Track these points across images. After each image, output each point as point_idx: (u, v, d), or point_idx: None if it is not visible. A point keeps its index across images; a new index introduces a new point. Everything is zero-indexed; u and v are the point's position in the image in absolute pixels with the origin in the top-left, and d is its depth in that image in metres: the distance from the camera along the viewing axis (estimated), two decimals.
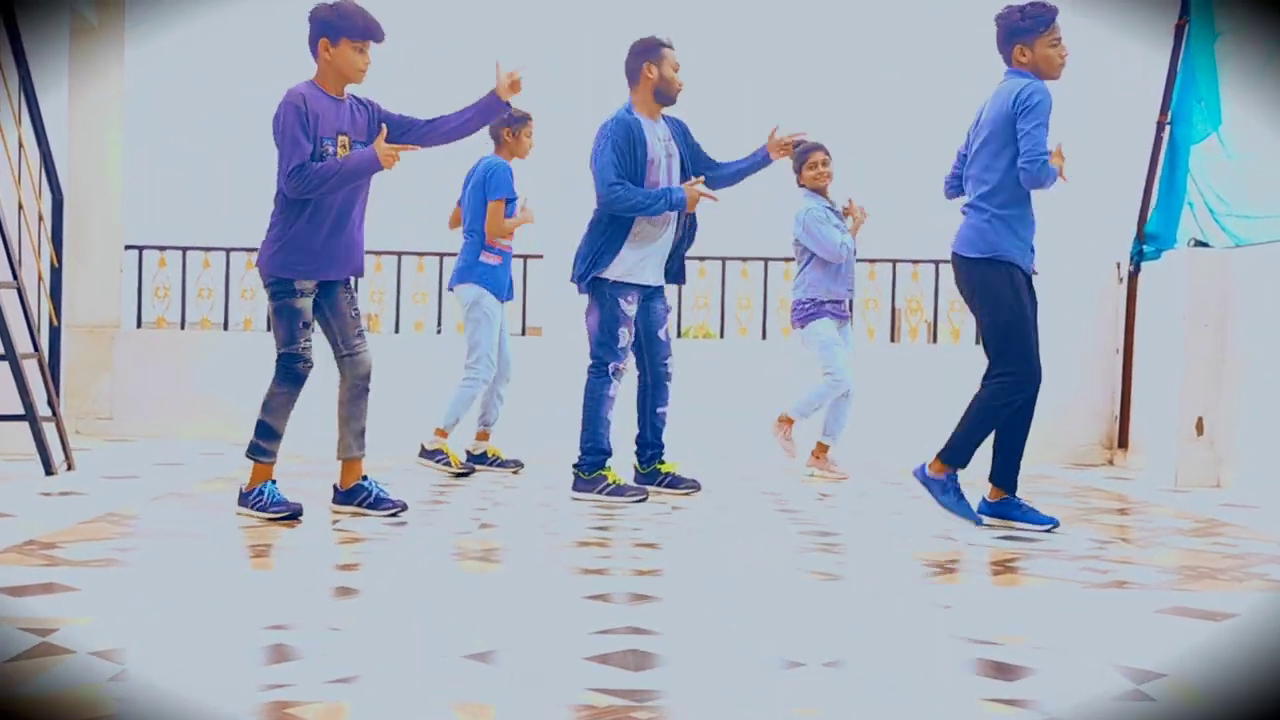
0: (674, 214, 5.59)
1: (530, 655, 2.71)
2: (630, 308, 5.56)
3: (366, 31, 4.60)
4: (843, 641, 2.94)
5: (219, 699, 2.32)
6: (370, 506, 4.81)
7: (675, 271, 5.78)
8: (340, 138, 4.66)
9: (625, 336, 5.55)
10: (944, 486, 4.88)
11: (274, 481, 4.77)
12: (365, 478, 4.89)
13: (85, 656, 2.58)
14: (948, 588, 3.71)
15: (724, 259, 8.50)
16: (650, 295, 5.72)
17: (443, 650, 2.70)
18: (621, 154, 5.44)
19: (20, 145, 6.50)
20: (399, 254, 8.67)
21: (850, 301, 6.77)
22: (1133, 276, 7.74)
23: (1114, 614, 3.34)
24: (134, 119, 8.77)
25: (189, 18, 9.48)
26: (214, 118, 10.69)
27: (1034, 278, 4.88)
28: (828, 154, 6.60)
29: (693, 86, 5.73)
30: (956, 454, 4.83)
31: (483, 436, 6.66)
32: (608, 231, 5.52)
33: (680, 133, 5.73)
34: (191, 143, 10.34)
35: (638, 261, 5.56)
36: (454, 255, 6.65)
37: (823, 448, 6.65)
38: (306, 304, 4.70)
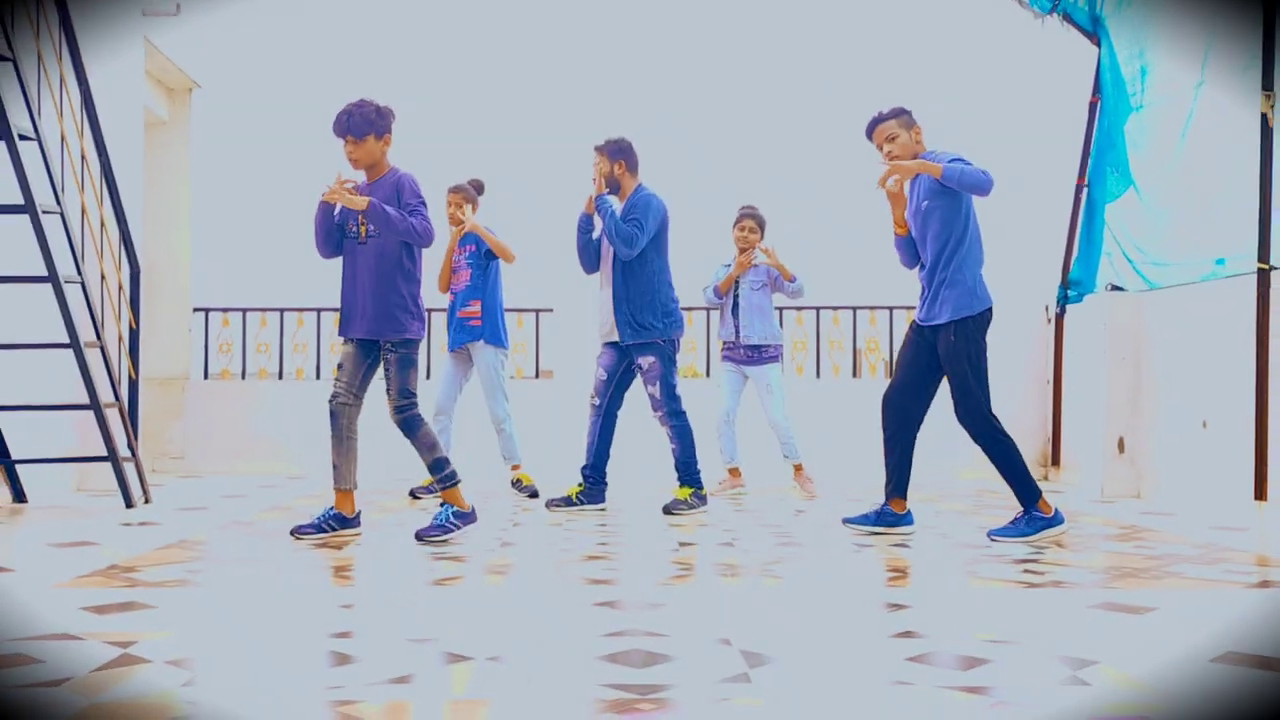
0: (605, 277, 5.77)
1: (548, 655, 2.69)
2: (602, 357, 5.87)
3: (333, 131, 4.70)
4: (810, 640, 2.92)
5: (280, 700, 2.30)
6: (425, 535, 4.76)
7: (629, 331, 5.77)
8: (360, 217, 4.70)
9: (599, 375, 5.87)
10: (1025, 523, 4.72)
11: (331, 506, 4.80)
12: (443, 504, 4.82)
13: (161, 665, 2.56)
14: (903, 590, 3.69)
15: (706, 309, 8.49)
16: (623, 353, 5.83)
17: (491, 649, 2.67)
18: (663, 229, 5.79)
19: (102, 224, 6.52)
20: None
21: (746, 345, 6.61)
22: (1059, 317, 7.76)
23: (1052, 610, 3.32)
24: (199, 200, 8.81)
25: (247, 111, 9.56)
26: (268, 195, 10.71)
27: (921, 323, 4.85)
28: (756, 224, 6.63)
29: (662, 147, 5.83)
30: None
31: None
32: None
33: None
34: (250, 218, 10.37)
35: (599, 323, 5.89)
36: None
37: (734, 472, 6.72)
38: (342, 349, 4.81)
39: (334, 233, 4.78)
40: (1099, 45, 7.23)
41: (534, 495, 6.44)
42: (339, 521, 4.79)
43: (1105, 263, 7.17)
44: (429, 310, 6.59)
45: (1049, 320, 7.89)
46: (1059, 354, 7.78)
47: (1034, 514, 4.67)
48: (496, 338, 6.46)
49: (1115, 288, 6.83)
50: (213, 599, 3.48)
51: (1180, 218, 6.42)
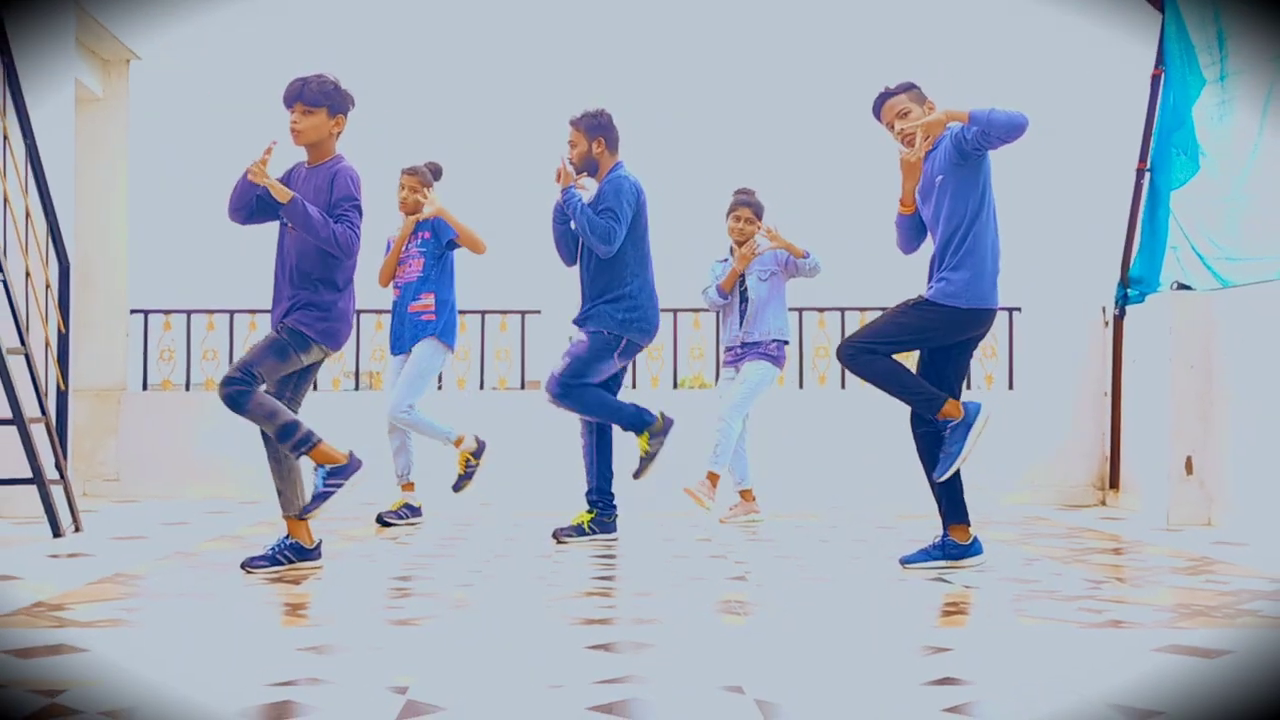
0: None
1: (531, 706, 2.69)
2: (617, 363, 5.86)
3: (284, 98, 4.74)
4: (835, 689, 2.92)
5: None
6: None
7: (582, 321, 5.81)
8: None
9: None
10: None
11: (286, 537, 4.86)
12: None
13: (94, 717, 2.56)
14: (943, 631, 3.69)
15: (675, 310, 8.48)
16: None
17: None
18: (637, 211, 5.78)
19: (27, 215, 6.52)
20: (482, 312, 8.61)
21: (748, 342, 6.60)
22: (1118, 319, 7.76)
23: (1110, 653, 3.32)
24: (137, 187, 8.82)
25: (191, 87, 9.57)
26: (215, 182, 10.73)
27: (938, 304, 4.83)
28: (753, 213, 6.63)
29: (652, 139, 5.85)
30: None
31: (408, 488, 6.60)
32: None
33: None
34: (194, 208, 10.38)
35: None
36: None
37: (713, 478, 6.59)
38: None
39: (251, 202, 4.80)
40: (1163, 10, 7.24)
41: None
42: (295, 552, 4.79)
43: (1171, 258, 7.17)
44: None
45: (1107, 323, 7.89)
46: (1118, 362, 7.78)
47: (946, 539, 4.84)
48: (449, 336, 6.49)
49: (1182, 286, 6.84)
50: (152, 641, 3.48)
51: (1259, 207, 6.42)
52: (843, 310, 8.41)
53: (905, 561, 4.87)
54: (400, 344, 6.50)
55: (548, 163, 5.78)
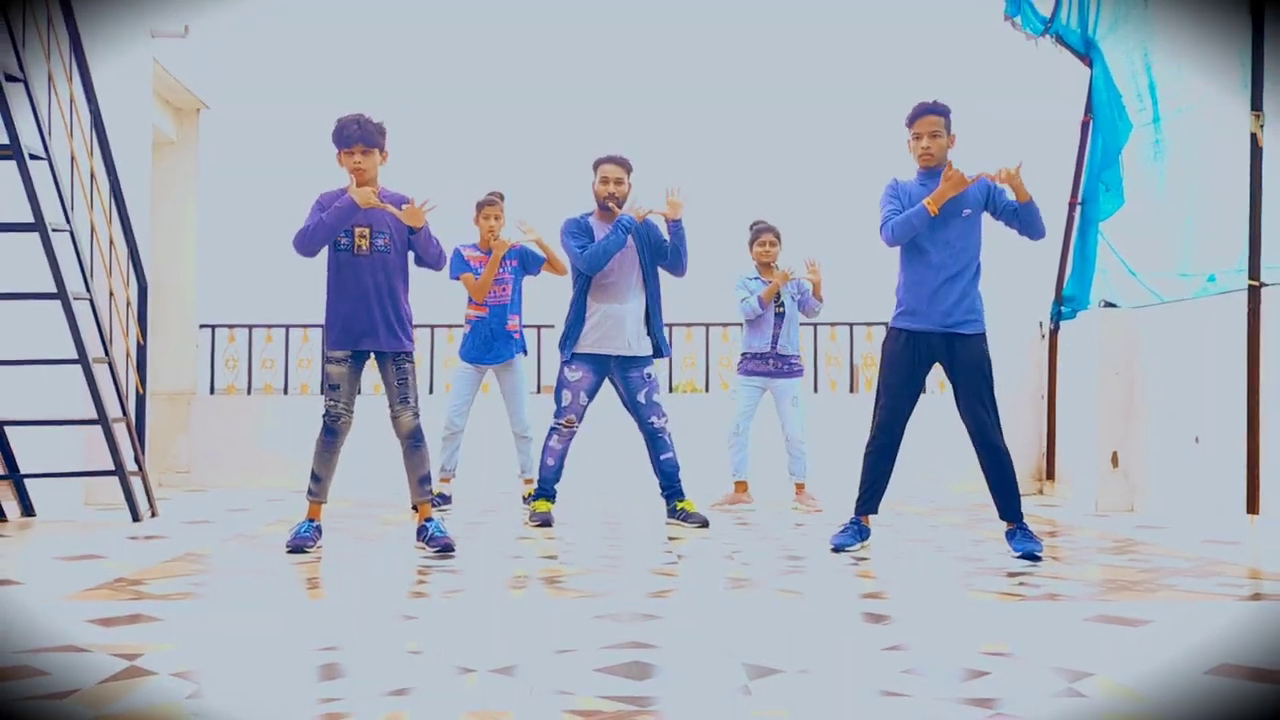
0: (630, 290, 5.68)
1: (548, 668, 2.68)
2: (574, 374, 5.72)
3: (341, 141, 4.66)
4: (816, 651, 2.91)
5: (285, 711, 2.30)
6: (427, 543, 4.76)
7: (657, 346, 5.81)
8: (359, 229, 4.67)
9: (567, 398, 5.72)
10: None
11: (311, 520, 4.77)
12: (429, 519, 4.80)
13: (167, 678, 2.55)
14: (898, 603, 3.68)
15: (707, 325, 8.51)
16: (625, 365, 5.76)
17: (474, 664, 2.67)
18: (574, 235, 5.69)
19: (111, 242, 6.53)
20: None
21: (781, 355, 6.56)
22: (1053, 333, 7.76)
23: (1047, 623, 3.31)
24: (206, 215, 8.83)
25: (253, 130, 9.59)
26: (273, 214, 10.74)
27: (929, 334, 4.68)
28: (775, 236, 6.61)
29: (664, 156, 5.82)
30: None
31: (445, 480, 6.58)
32: (572, 313, 5.76)
33: (643, 238, 5.73)
34: (254, 236, 10.39)
35: (598, 337, 5.70)
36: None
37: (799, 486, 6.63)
38: (335, 370, 4.72)
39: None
40: (1091, 66, 7.24)
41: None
42: (319, 532, 4.84)
43: (1099, 280, 7.17)
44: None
45: (1043, 336, 7.89)
46: (1053, 369, 7.78)
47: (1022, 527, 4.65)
48: (526, 349, 6.67)
49: (1109, 304, 6.84)
50: (218, 611, 3.47)
51: (1172, 234, 6.42)
52: (851, 325, 8.48)
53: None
54: (498, 357, 6.48)
55: (564, 183, 5.80)
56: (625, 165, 5.73)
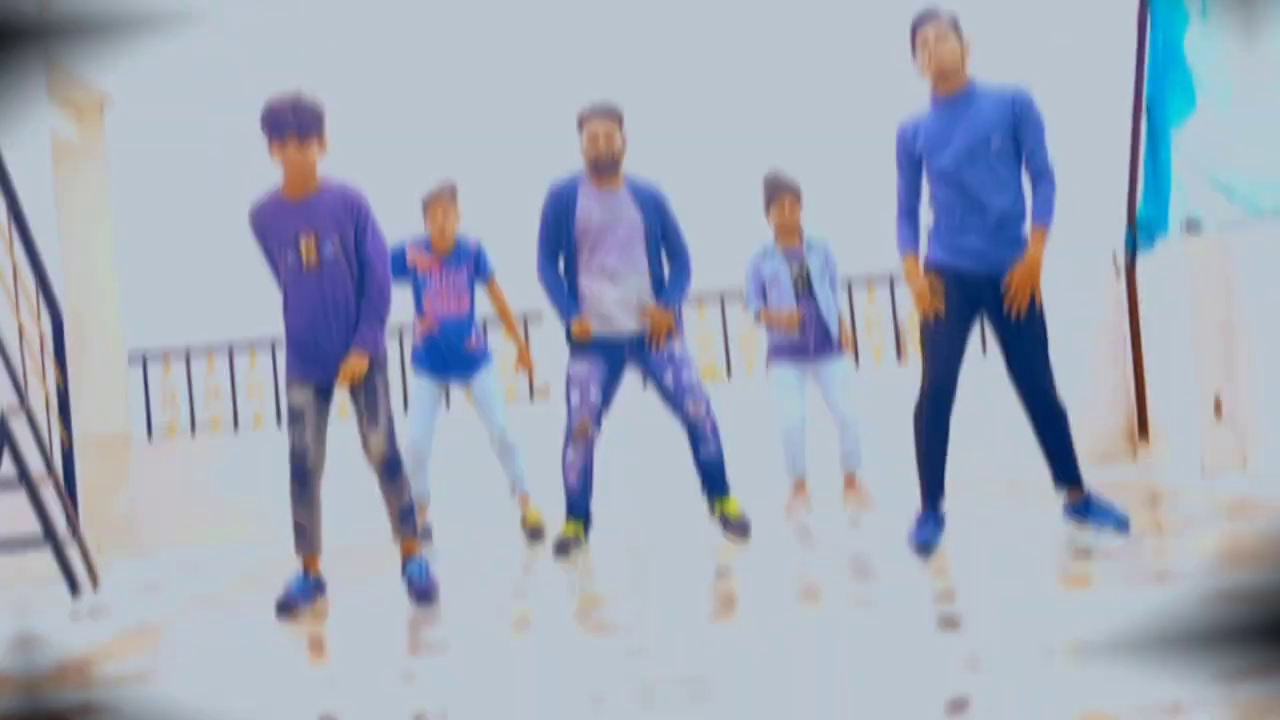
0: (613, 268, 5.55)
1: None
2: (579, 366, 5.55)
3: (272, 128, 4.49)
4: (887, 668, 2.88)
5: None
6: (406, 586, 4.71)
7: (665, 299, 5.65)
8: (303, 239, 4.57)
9: (575, 398, 5.54)
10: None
11: (305, 574, 4.71)
12: (411, 557, 4.71)
13: None
14: (979, 597, 3.66)
15: (721, 294, 8.39)
16: (640, 348, 5.59)
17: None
18: (547, 227, 5.59)
19: (14, 270, 6.50)
20: None
21: (805, 332, 6.51)
22: (1130, 266, 7.71)
23: (1156, 608, 3.28)
24: (123, 229, 8.80)
25: (169, 125, 9.56)
26: (200, 218, 10.72)
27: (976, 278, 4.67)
28: (796, 196, 6.47)
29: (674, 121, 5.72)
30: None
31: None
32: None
33: (650, 204, 5.61)
34: (182, 246, 10.37)
35: (600, 315, 5.56)
36: None
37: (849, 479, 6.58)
38: (297, 397, 4.66)
39: None
40: None
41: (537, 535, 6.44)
42: (319, 588, 4.76)
43: (1177, 196, 7.11)
44: None
45: (1118, 271, 7.83)
46: (1134, 309, 7.72)
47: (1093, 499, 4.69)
48: (490, 355, 6.67)
49: (1192, 223, 6.77)
50: (185, 694, 3.44)
51: (1265, 136, 6.36)
52: (892, 279, 8.45)
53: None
54: (464, 373, 6.53)
55: (547, 151, 5.69)
56: (615, 116, 5.52)
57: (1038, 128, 4.61)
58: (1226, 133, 6.67)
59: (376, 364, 4.67)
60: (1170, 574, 3.71)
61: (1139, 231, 7.51)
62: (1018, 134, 4.61)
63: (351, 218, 4.61)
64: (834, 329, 6.54)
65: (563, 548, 5.51)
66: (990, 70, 4.79)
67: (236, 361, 8.58)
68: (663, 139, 5.80)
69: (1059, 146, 4.88)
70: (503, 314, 6.63)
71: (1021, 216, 4.67)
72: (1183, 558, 3.97)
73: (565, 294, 5.58)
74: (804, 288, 6.49)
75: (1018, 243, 4.65)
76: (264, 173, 4.74)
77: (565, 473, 5.60)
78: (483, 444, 7.03)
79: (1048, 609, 3.44)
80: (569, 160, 5.66)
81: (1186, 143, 7.01)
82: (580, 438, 5.52)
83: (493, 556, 5.88)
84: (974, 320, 4.72)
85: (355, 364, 4.57)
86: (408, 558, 4.71)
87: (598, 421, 5.57)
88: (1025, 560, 4.29)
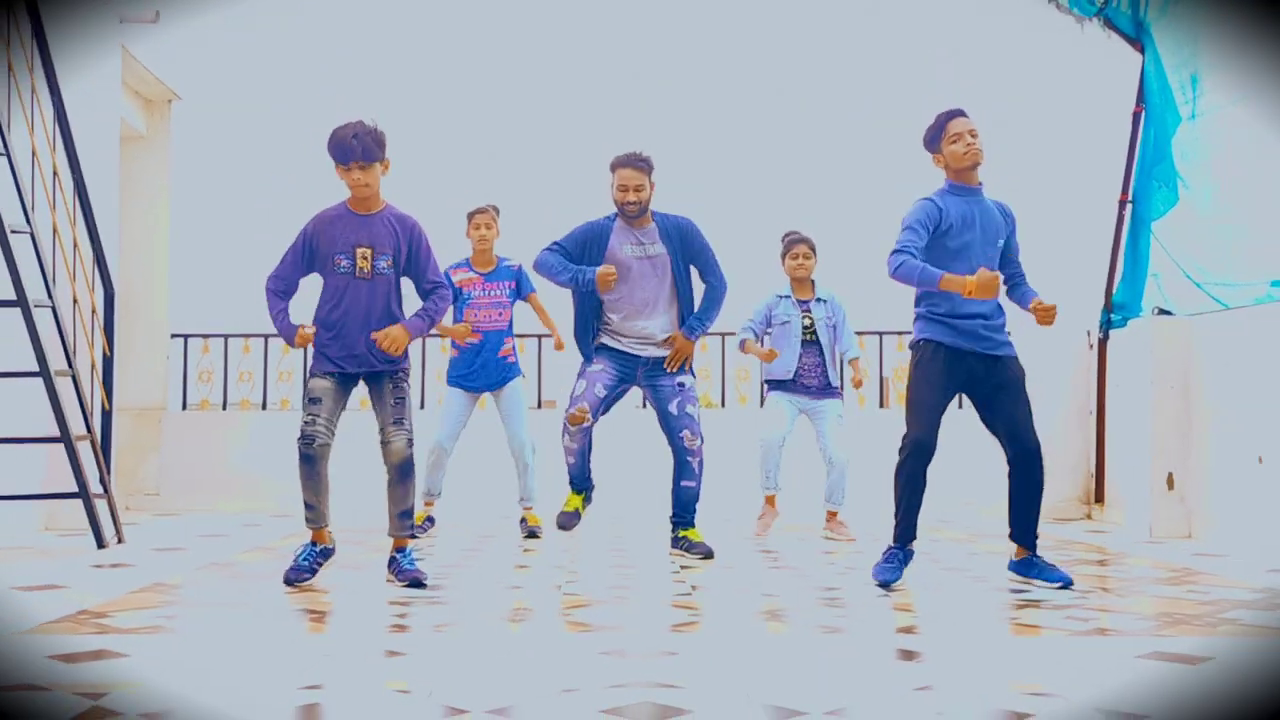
0: (644, 300, 5.55)
1: (549, 709, 2.67)
2: (595, 365, 5.55)
3: (339, 155, 4.64)
4: (846, 691, 2.90)
5: None
6: (397, 575, 4.76)
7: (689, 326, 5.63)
8: (360, 250, 4.69)
9: (580, 386, 5.55)
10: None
11: (314, 544, 4.78)
12: (402, 550, 4.80)
13: (134, 718, 2.55)
14: (935, 639, 3.66)
15: (723, 335, 8.48)
16: (655, 371, 5.59)
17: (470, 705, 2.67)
18: (575, 241, 5.58)
19: (75, 244, 6.55)
20: None
21: (807, 377, 6.51)
22: (1102, 343, 7.74)
23: (1097, 660, 3.29)
24: (179, 215, 8.86)
25: (228, 124, 9.63)
26: (252, 214, 10.77)
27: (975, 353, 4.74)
28: (810, 248, 6.54)
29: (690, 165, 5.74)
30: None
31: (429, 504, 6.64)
32: (579, 324, 5.66)
33: (678, 238, 5.61)
34: (232, 238, 10.42)
35: (624, 337, 5.58)
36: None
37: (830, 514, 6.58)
38: (318, 383, 4.73)
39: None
40: (1143, 52, 7.24)
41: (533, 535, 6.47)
42: (325, 556, 4.83)
43: (1152, 285, 7.15)
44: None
45: (1091, 346, 7.87)
46: (1102, 382, 7.75)
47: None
48: (522, 370, 6.81)
49: (1163, 311, 6.82)
50: (189, 647, 3.47)
51: (1233, 236, 6.40)
52: (881, 335, 8.52)
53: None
54: (494, 384, 6.58)
55: (570, 182, 5.73)
56: (644, 168, 5.51)
57: (1015, 235, 4.91)
58: (1204, 229, 6.71)
59: (407, 373, 4.81)
60: (1110, 630, 3.72)
61: (1114, 312, 7.56)
62: (1008, 239, 4.87)
63: (408, 240, 4.77)
64: (834, 379, 6.58)
65: (565, 521, 5.66)
66: (990, 153, 4.86)
67: (270, 348, 8.61)
68: (685, 185, 5.85)
69: (1048, 231, 4.98)
70: (543, 318, 6.75)
71: (1003, 314, 4.82)
72: (1123, 616, 3.98)
73: (568, 269, 5.52)
74: (810, 336, 6.53)
75: (1003, 333, 4.79)
76: (314, 179, 4.83)
77: (565, 454, 5.67)
78: (485, 445, 7.07)
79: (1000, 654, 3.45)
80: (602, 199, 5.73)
81: (1165, 235, 7.06)
82: (576, 424, 5.51)
83: (489, 549, 5.90)
84: (959, 390, 4.80)
85: (399, 335, 4.66)
86: (399, 550, 4.81)
87: (595, 417, 5.55)
88: (980, 604, 4.30)
